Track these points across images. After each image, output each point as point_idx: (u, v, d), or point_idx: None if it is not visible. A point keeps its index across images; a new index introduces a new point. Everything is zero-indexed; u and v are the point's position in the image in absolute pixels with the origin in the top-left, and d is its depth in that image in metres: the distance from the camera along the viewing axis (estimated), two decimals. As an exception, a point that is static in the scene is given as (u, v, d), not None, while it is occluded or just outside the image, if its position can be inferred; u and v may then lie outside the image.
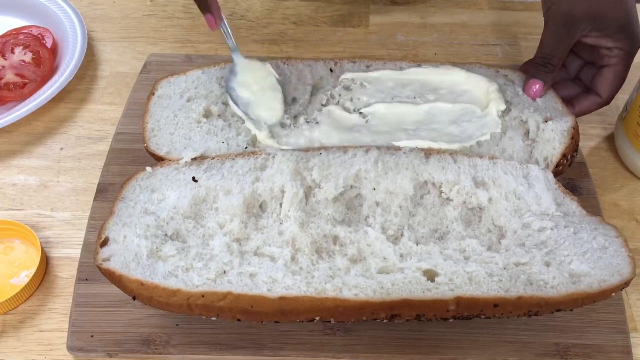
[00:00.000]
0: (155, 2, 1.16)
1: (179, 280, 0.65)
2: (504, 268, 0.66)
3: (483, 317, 0.67)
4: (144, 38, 1.10)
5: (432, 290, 0.64)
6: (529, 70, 0.87)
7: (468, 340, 0.73)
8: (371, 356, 0.72)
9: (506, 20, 1.15)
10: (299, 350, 0.72)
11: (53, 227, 0.84)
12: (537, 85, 0.85)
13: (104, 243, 0.68)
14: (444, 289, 0.64)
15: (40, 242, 0.78)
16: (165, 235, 0.70)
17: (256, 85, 0.85)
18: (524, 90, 0.86)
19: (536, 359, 0.72)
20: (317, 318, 0.65)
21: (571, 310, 0.68)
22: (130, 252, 0.67)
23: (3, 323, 0.75)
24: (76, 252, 0.80)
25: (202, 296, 0.64)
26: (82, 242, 0.80)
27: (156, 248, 0.68)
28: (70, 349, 0.72)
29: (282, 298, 0.64)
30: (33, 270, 0.76)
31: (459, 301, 0.64)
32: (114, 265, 0.66)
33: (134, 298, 0.67)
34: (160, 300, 0.65)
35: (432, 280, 0.65)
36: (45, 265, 0.80)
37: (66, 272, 0.80)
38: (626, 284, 0.66)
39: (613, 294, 0.66)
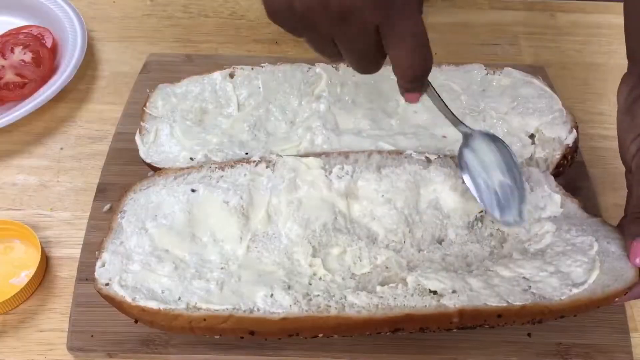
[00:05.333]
0: (155, 2, 1.16)
1: (179, 304, 0.64)
2: (507, 278, 0.65)
3: (487, 326, 0.66)
4: (144, 38, 1.10)
5: (434, 304, 0.63)
6: (629, 229, 0.67)
7: (468, 340, 0.73)
8: (371, 356, 0.72)
9: (506, 20, 1.15)
10: (299, 350, 0.72)
11: (53, 227, 0.84)
12: None
13: (103, 264, 0.67)
14: (446, 302, 0.63)
15: (40, 242, 0.78)
16: (165, 251, 0.68)
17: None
18: (629, 257, 0.66)
19: (537, 359, 0.72)
20: (321, 335, 0.65)
21: (575, 315, 0.67)
22: (129, 275, 0.66)
23: (3, 323, 0.75)
24: (76, 252, 0.79)
25: (204, 320, 0.63)
26: (82, 242, 0.80)
27: (154, 268, 0.67)
28: (70, 349, 0.72)
29: (284, 319, 0.63)
30: (33, 270, 0.76)
31: (462, 313, 0.63)
32: (114, 290, 0.65)
33: (135, 321, 0.66)
34: (163, 324, 0.64)
35: (435, 293, 0.64)
36: (45, 265, 0.80)
37: (66, 272, 0.79)
38: (629, 288, 0.65)
39: (617, 299, 0.65)
